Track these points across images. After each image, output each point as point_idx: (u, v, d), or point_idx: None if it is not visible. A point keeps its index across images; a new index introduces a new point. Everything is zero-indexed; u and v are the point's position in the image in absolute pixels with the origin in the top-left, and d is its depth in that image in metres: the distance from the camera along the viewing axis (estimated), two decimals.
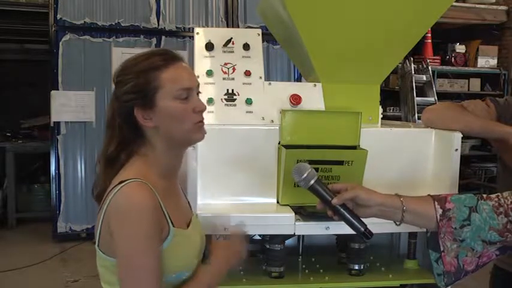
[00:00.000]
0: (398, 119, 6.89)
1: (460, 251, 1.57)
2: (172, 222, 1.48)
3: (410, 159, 2.13)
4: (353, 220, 1.56)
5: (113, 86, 1.55)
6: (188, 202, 1.72)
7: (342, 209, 1.56)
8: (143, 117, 1.47)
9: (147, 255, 1.38)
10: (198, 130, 1.53)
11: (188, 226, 1.59)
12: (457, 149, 2.01)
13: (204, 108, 1.54)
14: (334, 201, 1.55)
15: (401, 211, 1.57)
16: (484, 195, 1.61)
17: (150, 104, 1.46)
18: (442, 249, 1.57)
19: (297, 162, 1.92)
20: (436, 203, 1.58)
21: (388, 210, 1.58)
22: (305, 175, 1.58)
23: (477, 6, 7.98)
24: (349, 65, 2.17)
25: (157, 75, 1.46)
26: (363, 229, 1.57)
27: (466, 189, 7.51)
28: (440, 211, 1.57)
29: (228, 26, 6.39)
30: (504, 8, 8.21)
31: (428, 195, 1.63)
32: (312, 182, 1.57)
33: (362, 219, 1.58)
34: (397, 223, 1.61)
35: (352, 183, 1.63)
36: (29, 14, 6.77)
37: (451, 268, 1.58)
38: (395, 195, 1.60)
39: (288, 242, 2.12)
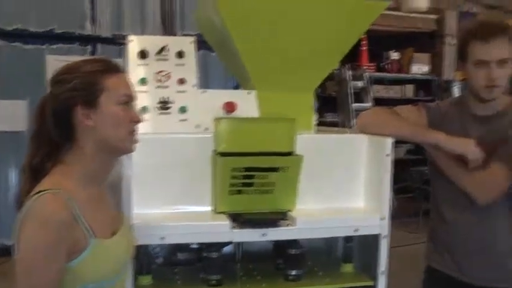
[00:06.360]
0: (336, 125, 7.01)
1: None
2: (93, 232, 1.47)
3: (345, 165, 2.16)
4: None
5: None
6: (120, 210, 1.71)
7: None
8: (83, 116, 1.49)
9: (43, 269, 1.39)
10: (130, 140, 1.58)
11: (114, 235, 1.58)
12: (388, 154, 2.05)
13: (140, 120, 1.60)
14: None
15: None
16: None
17: (94, 103, 1.49)
18: None
19: (231, 170, 1.92)
20: None
21: None
22: None
23: (410, 15, 8.23)
24: (283, 73, 2.19)
25: (103, 78, 1.50)
26: None
27: (403, 192, 7.72)
28: None
29: (165, 33, 6.34)
30: (434, 16, 8.50)
31: None
32: None
33: None
34: None
35: None
36: None
37: None
38: None
39: (226, 249, 2.12)
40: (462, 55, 2.21)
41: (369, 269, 2.15)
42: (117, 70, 1.56)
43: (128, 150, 1.61)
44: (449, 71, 8.57)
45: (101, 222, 1.53)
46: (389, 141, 2.05)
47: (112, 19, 6.27)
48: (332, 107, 7.64)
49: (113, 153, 1.60)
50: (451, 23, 8.58)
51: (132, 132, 1.57)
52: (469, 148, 2.10)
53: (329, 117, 7.45)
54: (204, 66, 5.39)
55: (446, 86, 8.49)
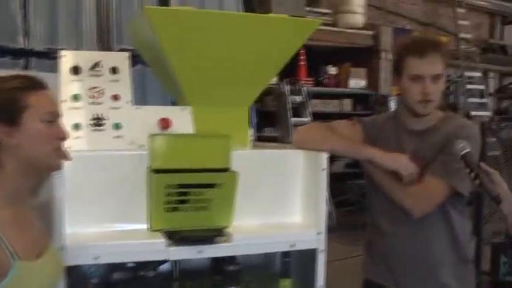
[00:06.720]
0: (275, 139, 7.04)
1: None
2: (17, 254, 1.43)
3: (281, 180, 2.17)
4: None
5: None
6: (48, 231, 1.66)
7: None
8: (5, 134, 1.45)
9: None
10: (56, 157, 1.55)
11: (39, 257, 1.53)
12: (324, 169, 2.07)
13: (66, 137, 1.57)
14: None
15: None
16: None
17: (16, 121, 1.45)
18: None
19: (166, 187, 1.89)
20: None
21: None
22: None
23: (347, 30, 8.42)
24: (217, 89, 2.18)
25: (26, 95, 1.47)
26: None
27: (344, 205, 7.84)
28: None
29: (101, 47, 6.21)
30: (370, 32, 8.73)
31: None
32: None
33: None
34: None
35: None
36: None
37: None
38: None
39: (163, 267, 2.08)
40: (398, 70, 2.26)
41: (307, 284, 2.16)
42: (41, 87, 1.53)
43: (54, 168, 1.58)
44: (385, 85, 8.81)
45: (25, 243, 1.48)
46: (324, 156, 2.07)
47: (46, 32, 6.08)
48: (271, 122, 7.70)
49: (38, 172, 1.57)
50: (387, 38, 8.84)
51: (57, 150, 1.54)
52: (402, 163, 2.14)
53: (268, 132, 7.49)
54: (141, 82, 5.30)
55: (383, 100, 8.72)
